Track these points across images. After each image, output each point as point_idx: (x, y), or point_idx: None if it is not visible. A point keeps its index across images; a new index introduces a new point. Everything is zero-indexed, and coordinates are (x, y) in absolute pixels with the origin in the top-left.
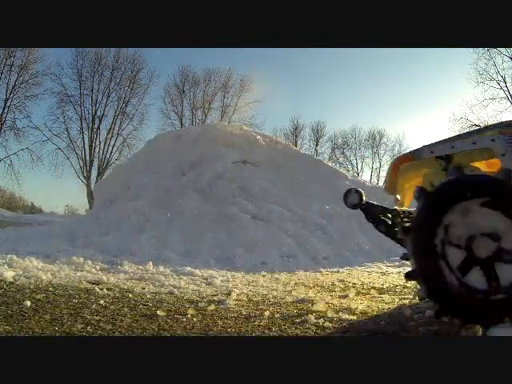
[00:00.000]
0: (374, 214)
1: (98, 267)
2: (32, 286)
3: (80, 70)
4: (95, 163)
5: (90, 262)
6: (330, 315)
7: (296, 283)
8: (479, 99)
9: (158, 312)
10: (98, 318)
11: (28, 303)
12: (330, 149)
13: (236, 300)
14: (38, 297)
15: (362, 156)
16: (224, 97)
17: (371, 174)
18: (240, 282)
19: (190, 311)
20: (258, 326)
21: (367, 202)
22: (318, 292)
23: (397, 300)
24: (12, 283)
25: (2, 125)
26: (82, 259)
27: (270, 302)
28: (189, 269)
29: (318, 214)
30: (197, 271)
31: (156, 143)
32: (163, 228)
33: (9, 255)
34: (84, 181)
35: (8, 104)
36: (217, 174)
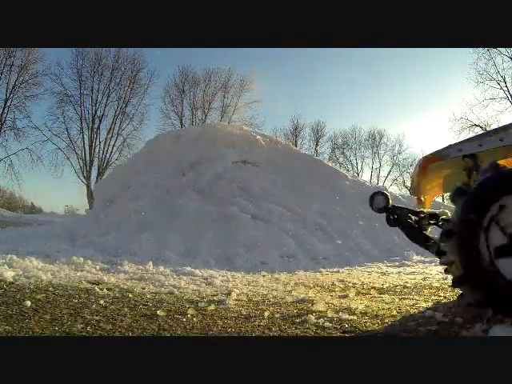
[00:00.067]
0: (400, 217)
1: (98, 267)
2: (32, 286)
3: (80, 70)
4: (95, 163)
5: (89, 262)
6: (329, 315)
7: (296, 283)
8: (479, 99)
9: (158, 312)
10: (98, 318)
11: (28, 303)
12: (330, 149)
13: (236, 300)
14: (38, 297)
15: (362, 156)
16: (224, 97)
17: (371, 174)
18: (240, 281)
19: (190, 311)
20: (258, 325)
21: (393, 205)
22: (318, 292)
23: (397, 300)
24: (12, 283)
25: (2, 125)
26: (81, 259)
27: (270, 302)
28: (189, 269)
29: (318, 214)
30: (197, 271)
31: (156, 143)
32: (163, 228)
33: (9, 255)
34: (84, 181)
35: (8, 104)
36: (217, 173)
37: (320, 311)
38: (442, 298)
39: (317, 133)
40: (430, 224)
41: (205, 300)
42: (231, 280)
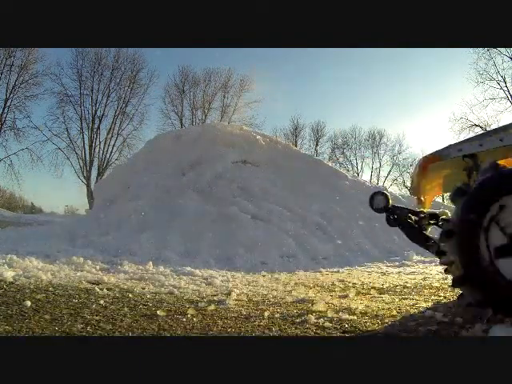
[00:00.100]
0: (400, 217)
1: (98, 267)
2: (32, 286)
3: (80, 70)
4: (95, 163)
5: (89, 262)
6: (330, 315)
7: (296, 283)
8: (479, 99)
9: (158, 312)
10: (98, 318)
11: (28, 303)
12: (330, 149)
13: (236, 300)
14: (38, 297)
15: (362, 156)
16: (224, 97)
17: (371, 174)
18: (240, 281)
19: (190, 311)
20: (258, 325)
21: (393, 205)
22: (318, 292)
23: (397, 300)
24: (12, 283)
25: (2, 125)
26: (81, 259)
27: (270, 302)
28: (189, 269)
29: (318, 214)
30: (197, 271)
31: (156, 143)
32: (163, 228)
33: (9, 255)
34: (84, 181)
35: (8, 104)
36: (217, 173)
37: (320, 311)
38: (441, 298)
39: (317, 133)
40: (429, 224)
41: (205, 300)
42: (231, 280)
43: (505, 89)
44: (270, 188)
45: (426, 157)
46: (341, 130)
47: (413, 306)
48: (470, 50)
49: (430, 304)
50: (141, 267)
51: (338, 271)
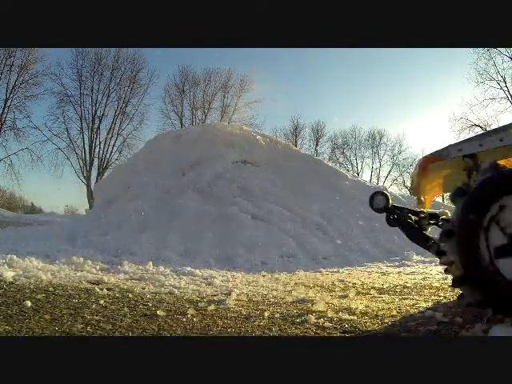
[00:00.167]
0: (400, 217)
1: (98, 267)
2: (32, 286)
3: (80, 70)
4: (95, 163)
5: (89, 262)
6: (330, 315)
7: (296, 283)
8: (479, 99)
9: (158, 312)
10: (98, 318)
11: (28, 303)
12: (330, 149)
13: (236, 300)
14: (38, 297)
15: (362, 156)
16: (224, 97)
17: (371, 173)
18: (240, 281)
19: (190, 311)
20: (258, 325)
21: (393, 205)
22: (318, 292)
23: (397, 300)
24: (12, 283)
25: (2, 125)
26: (82, 259)
27: (269, 302)
28: (189, 269)
29: (318, 214)
30: (197, 271)
31: (156, 143)
32: (163, 228)
33: (9, 255)
34: (84, 181)
35: (8, 104)
36: (217, 173)
37: (320, 311)
38: (441, 298)
39: (317, 133)
40: (430, 224)
41: (205, 300)
42: (231, 280)
43: (505, 89)
44: (269, 188)
45: (425, 157)
46: (341, 130)
47: (413, 305)
48: (470, 50)
49: (429, 304)
50: (141, 267)
51: (338, 271)
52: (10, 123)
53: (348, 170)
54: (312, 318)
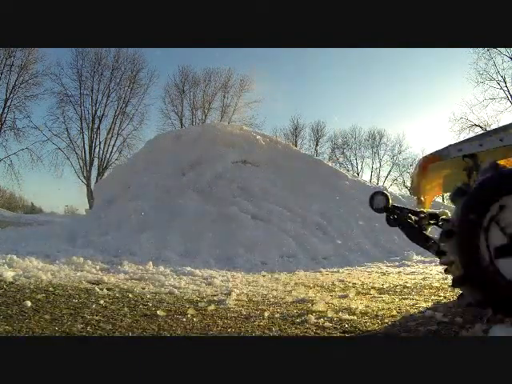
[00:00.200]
0: (400, 217)
1: (98, 267)
2: (32, 286)
3: (80, 70)
4: (95, 163)
5: (89, 262)
6: (330, 315)
7: (296, 283)
8: (479, 99)
9: (158, 312)
10: (98, 318)
11: (28, 303)
12: (330, 149)
13: (236, 300)
14: (38, 297)
15: (362, 156)
16: (224, 97)
17: (371, 173)
18: (240, 281)
19: (190, 311)
20: (258, 325)
21: (393, 205)
22: (318, 292)
23: (397, 300)
24: (12, 283)
25: (2, 125)
26: (82, 259)
27: (269, 302)
28: (189, 269)
29: (318, 214)
30: (197, 271)
31: (156, 143)
32: (163, 228)
33: (9, 255)
34: (84, 181)
35: (8, 104)
36: (217, 173)
37: (320, 311)
38: (441, 298)
39: (317, 133)
40: (430, 224)
41: (205, 300)
42: (231, 280)
43: (505, 89)
44: (270, 188)
45: (425, 157)
46: (341, 130)
47: (413, 305)
48: (470, 50)
49: (429, 304)
50: (141, 267)
51: (338, 271)
52: (10, 123)
53: (348, 170)
54: (312, 318)
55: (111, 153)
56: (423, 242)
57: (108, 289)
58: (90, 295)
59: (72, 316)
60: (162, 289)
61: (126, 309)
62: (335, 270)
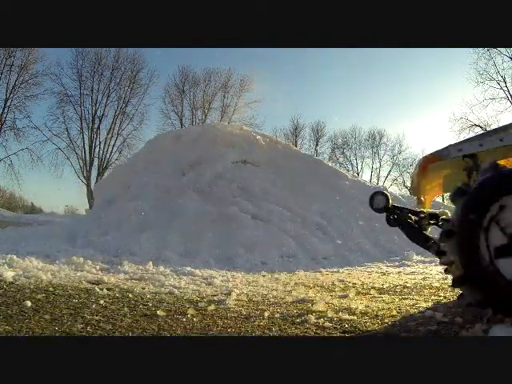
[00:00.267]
0: (400, 217)
1: (98, 267)
2: (32, 286)
3: (80, 70)
4: (95, 163)
5: (89, 262)
6: (330, 315)
7: (296, 283)
8: (479, 99)
9: (158, 312)
10: (98, 318)
11: (28, 303)
12: (330, 149)
13: (236, 300)
14: (38, 297)
15: (362, 156)
16: (224, 97)
17: (371, 173)
18: (240, 281)
19: (190, 311)
20: (258, 325)
21: (393, 205)
22: (318, 292)
23: (397, 300)
24: (12, 283)
25: (2, 125)
26: (82, 259)
27: (269, 302)
28: (189, 269)
29: (318, 214)
30: (197, 271)
31: (156, 143)
32: (163, 228)
33: (9, 255)
34: (84, 181)
35: (8, 104)
36: (217, 173)
37: (320, 311)
38: (441, 297)
39: (317, 133)
40: (430, 224)
41: (205, 300)
42: (231, 280)
43: (505, 89)
44: (270, 188)
45: (426, 157)
46: (341, 130)
47: (413, 305)
48: (470, 50)
49: (430, 304)
50: (141, 267)
51: (338, 271)
52: (10, 123)
53: (348, 170)
54: (312, 318)
55: (111, 153)
56: (423, 241)
57: (108, 289)
58: (90, 295)
59: (72, 316)
60: (162, 289)
61: (126, 309)
62: (335, 269)
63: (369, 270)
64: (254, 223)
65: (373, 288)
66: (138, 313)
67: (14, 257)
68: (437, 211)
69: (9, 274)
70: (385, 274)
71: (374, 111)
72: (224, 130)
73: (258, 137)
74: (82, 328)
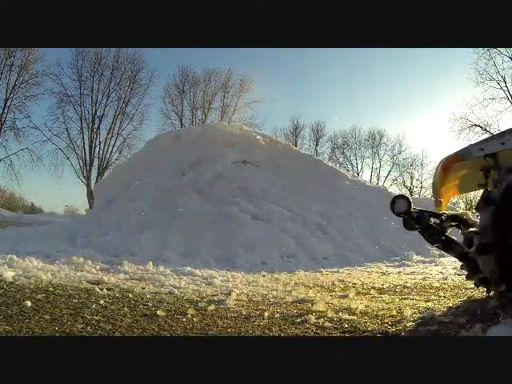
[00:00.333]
0: (423, 221)
1: (98, 267)
2: (32, 286)
3: (80, 70)
4: (95, 163)
5: (89, 262)
6: (330, 315)
7: (296, 283)
8: (479, 99)
9: (158, 312)
10: (98, 318)
11: (28, 303)
12: (330, 149)
13: (236, 300)
14: (38, 297)
15: (362, 156)
16: (224, 97)
17: (371, 173)
18: (240, 281)
19: (190, 311)
20: (258, 325)
21: (415, 209)
22: (318, 292)
23: (397, 300)
24: (12, 283)
25: (2, 125)
26: (82, 259)
27: (269, 302)
28: (189, 269)
29: (318, 214)
30: (197, 271)
31: (156, 143)
32: (163, 228)
33: (9, 255)
34: (84, 181)
35: (8, 104)
36: (217, 173)
37: (320, 311)
38: (441, 297)
39: (317, 133)
40: (451, 226)
41: (205, 300)
42: (231, 280)
43: (505, 89)
44: (270, 188)
45: (448, 157)
46: (341, 130)
47: (413, 306)
48: (470, 50)
49: (429, 304)
50: (141, 267)
51: (338, 271)
52: (10, 123)
53: (348, 170)
54: (312, 318)
55: (111, 153)
56: (445, 244)
57: (108, 289)
58: (90, 295)
59: (72, 316)
60: (162, 289)
61: (126, 309)
62: (335, 270)
63: (369, 270)
64: (253, 223)
65: (373, 288)
66: (138, 313)
67: (14, 257)
68: (457, 213)
69: (9, 274)
70: (385, 274)
71: (374, 111)
72: (224, 129)
73: (258, 137)
74: (82, 328)
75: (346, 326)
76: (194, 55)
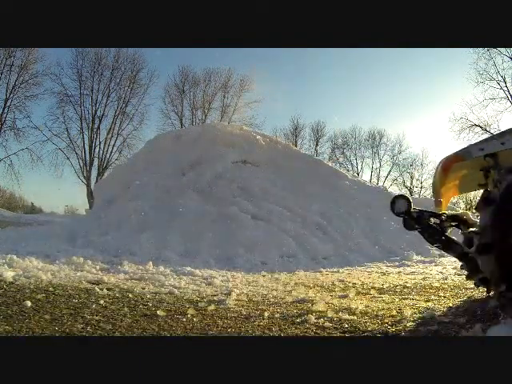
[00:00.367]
0: (424, 221)
1: (98, 267)
2: (32, 286)
3: (80, 70)
4: (95, 163)
5: (89, 262)
6: (330, 315)
7: (296, 283)
8: (479, 99)
9: (158, 312)
10: (98, 318)
11: (28, 303)
12: (330, 149)
13: (236, 300)
14: (38, 297)
15: (362, 156)
16: (224, 97)
17: (371, 173)
18: (240, 281)
19: (190, 311)
20: (258, 325)
21: (415, 209)
22: (318, 292)
23: (397, 300)
24: (12, 283)
25: (2, 125)
26: (82, 259)
27: (269, 302)
28: (189, 269)
29: (318, 214)
30: (197, 271)
31: (156, 143)
32: (163, 228)
33: (9, 255)
34: (84, 181)
35: (8, 104)
36: (217, 173)
37: (320, 311)
38: (441, 297)
39: (317, 133)
40: (451, 226)
41: (205, 300)
42: (231, 280)
43: (505, 89)
44: (270, 188)
45: (448, 157)
46: (341, 130)
47: (413, 306)
48: (470, 50)
49: (429, 304)
50: (141, 267)
51: (338, 271)
52: (10, 123)
53: (348, 170)
54: (312, 318)
55: (111, 153)
56: (445, 244)
57: (108, 289)
58: (90, 295)
59: (72, 316)
60: (162, 289)
61: (126, 309)
62: (335, 269)
63: (369, 270)
64: (253, 223)
65: (373, 288)
66: (138, 313)
67: (14, 257)
68: (457, 213)
69: (9, 274)
70: (385, 274)
71: (374, 111)
72: (224, 130)
73: (258, 137)
74: (82, 328)
75: (346, 325)
76: (193, 55)
